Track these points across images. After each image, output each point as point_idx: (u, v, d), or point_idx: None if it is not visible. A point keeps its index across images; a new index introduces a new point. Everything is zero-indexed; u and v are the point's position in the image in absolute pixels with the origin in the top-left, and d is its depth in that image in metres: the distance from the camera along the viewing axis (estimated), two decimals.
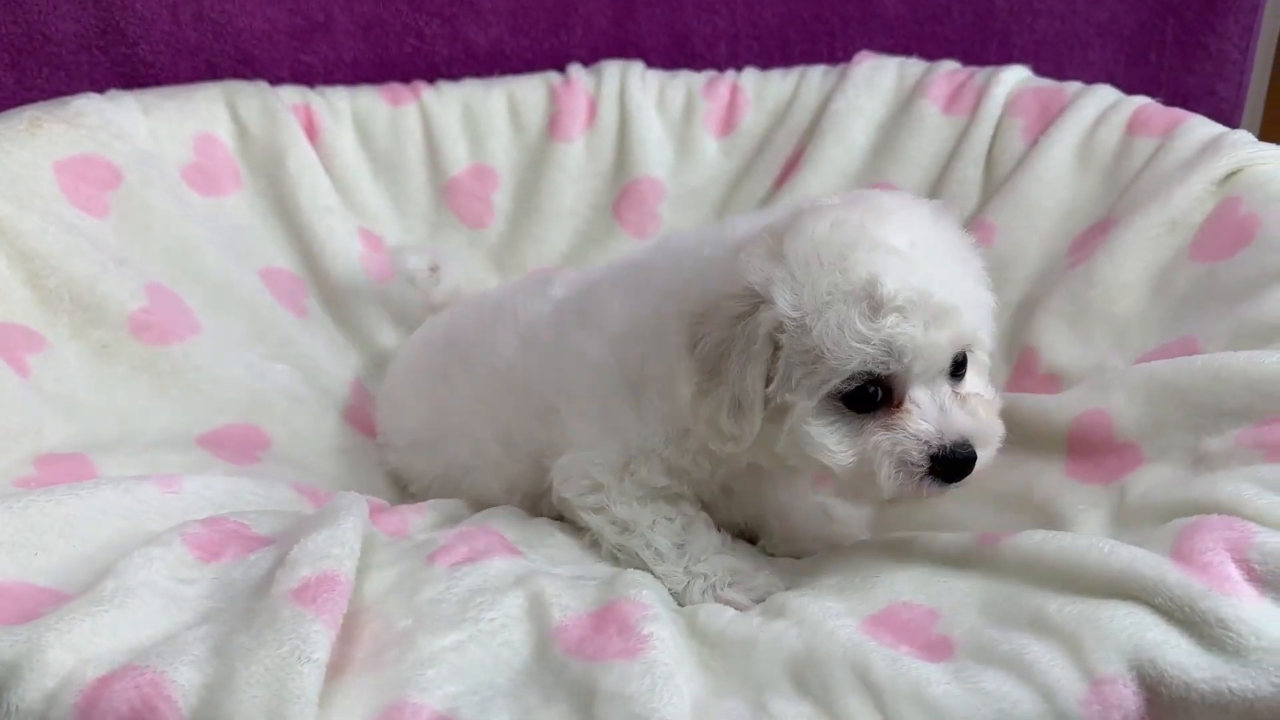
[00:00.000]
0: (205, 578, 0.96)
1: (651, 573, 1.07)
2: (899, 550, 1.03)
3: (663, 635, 0.92)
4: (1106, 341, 1.27)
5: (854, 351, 0.93)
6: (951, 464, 0.95)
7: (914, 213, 1.00)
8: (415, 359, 1.45)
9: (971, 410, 0.97)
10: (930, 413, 0.96)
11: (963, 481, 0.97)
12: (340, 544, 0.96)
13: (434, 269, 1.54)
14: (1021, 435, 1.18)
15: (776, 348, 0.96)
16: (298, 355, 1.47)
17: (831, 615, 0.93)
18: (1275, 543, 0.86)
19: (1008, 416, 1.18)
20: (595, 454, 1.11)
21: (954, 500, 1.17)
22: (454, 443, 1.31)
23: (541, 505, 1.22)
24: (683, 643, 0.94)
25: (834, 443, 0.97)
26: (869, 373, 0.94)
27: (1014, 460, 1.18)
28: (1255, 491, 0.92)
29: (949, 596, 0.95)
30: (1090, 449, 1.12)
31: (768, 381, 0.97)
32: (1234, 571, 0.86)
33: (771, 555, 1.19)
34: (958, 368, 0.99)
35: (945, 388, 0.97)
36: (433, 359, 1.39)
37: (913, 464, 0.95)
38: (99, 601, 0.87)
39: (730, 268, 1.00)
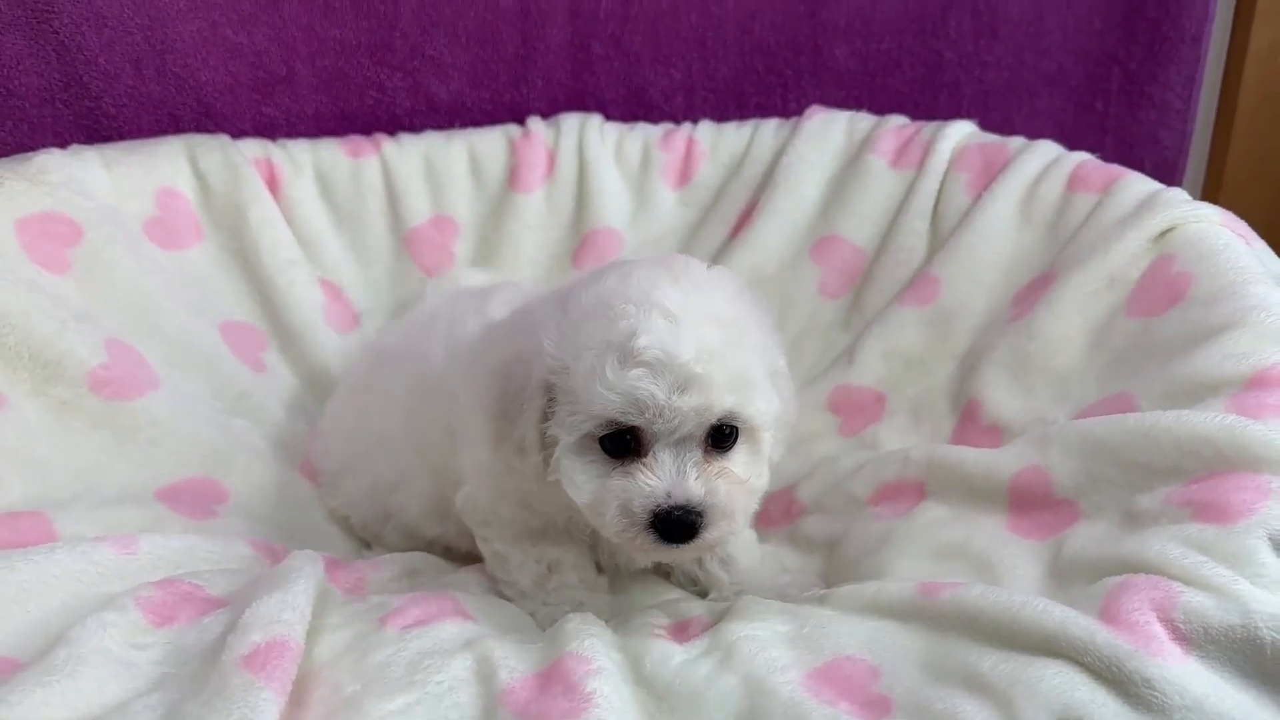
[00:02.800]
0: (158, 643, 0.98)
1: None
2: (849, 597, 1.06)
3: (605, 691, 0.94)
4: (1048, 394, 1.31)
5: (600, 398, 0.96)
6: (670, 525, 0.98)
7: (708, 281, 1.03)
8: (348, 380, 1.49)
9: (710, 482, 0.99)
10: (664, 471, 0.98)
11: (686, 546, 0.99)
12: (291, 608, 0.98)
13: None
14: (965, 489, 1.22)
15: (550, 391, 1.01)
16: (255, 409, 1.48)
17: (776, 669, 0.95)
18: (1198, 602, 0.89)
19: (952, 470, 1.23)
20: (479, 495, 1.17)
21: (895, 549, 1.21)
22: (375, 455, 1.35)
23: (460, 531, 1.25)
24: (627, 693, 0.96)
25: (580, 479, 1.01)
26: (615, 421, 0.98)
27: (957, 512, 1.22)
28: (1181, 551, 0.95)
29: (891, 652, 0.97)
30: (1030, 504, 1.15)
31: (545, 420, 1.01)
32: (1160, 631, 0.89)
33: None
34: (722, 438, 1.01)
35: (694, 453, 0.99)
36: (361, 371, 1.44)
37: (634, 514, 0.98)
38: (50, 671, 0.89)
39: (516, 323, 1.09)
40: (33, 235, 1.41)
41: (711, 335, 0.97)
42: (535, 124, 1.74)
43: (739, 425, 1.01)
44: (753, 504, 1.05)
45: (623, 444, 1.00)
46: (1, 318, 1.31)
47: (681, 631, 1.09)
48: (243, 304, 1.59)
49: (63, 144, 1.55)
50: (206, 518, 1.32)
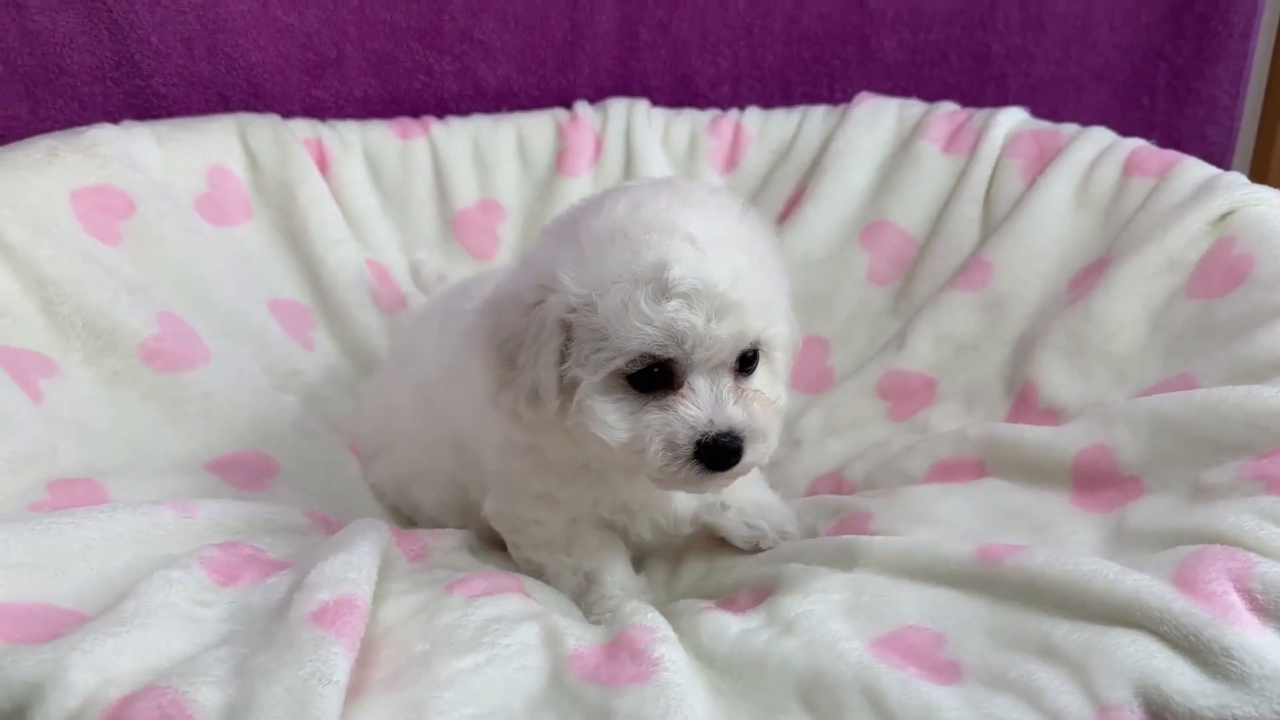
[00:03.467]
0: (223, 600, 0.97)
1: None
2: (902, 565, 1.04)
3: (673, 656, 0.93)
4: (1105, 377, 1.30)
5: (636, 332, 0.94)
6: (716, 452, 0.96)
7: (717, 205, 1.01)
8: (384, 364, 1.48)
9: (748, 406, 0.98)
10: (704, 400, 0.96)
11: (728, 473, 0.98)
12: (357, 568, 0.97)
13: (441, 278, 1.59)
14: (1026, 466, 1.21)
15: (568, 330, 0.97)
16: (305, 386, 1.48)
17: (840, 638, 0.94)
18: (1276, 573, 0.88)
19: (1011, 448, 1.22)
20: (501, 501, 1.15)
21: (945, 504, 1.20)
22: (395, 448, 1.35)
23: (479, 527, 1.24)
24: (692, 664, 0.95)
25: (613, 419, 0.98)
26: (650, 355, 0.95)
27: (1020, 486, 1.21)
28: (1256, 523, 0.94)
29: (955, 620, 0.96)
30: (1094, 482, 1.14)
31: (562, 361, 0.98)
32: (1237, 601, 0.88)
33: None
34: (746, 363, 1.00)
35: (727, 380, 0.98)
36: (384, 366, 1.43)
37: (679, 447, 0.96)
38: (120, 622, 0.88)
39: (524, 263, 1.04)
40: (86, 206, 1.41)
41: (739, 260, 0.95)
42: (583, 108, 1.74)
43: (761, 349, 1.01)
44: (780, 424, 1.03)
45: (651, 379, 0.97)
46: (55, 286, 1.31)
47: (730, 604, 1.08)
48: (291, 282, 1.59)
49: (113, 122, 1.56)
50: (257, 490, 1.32)
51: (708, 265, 0.93)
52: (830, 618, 0.98)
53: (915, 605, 0.99)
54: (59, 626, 0.90)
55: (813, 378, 1.58)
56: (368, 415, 1.45)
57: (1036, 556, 0.96)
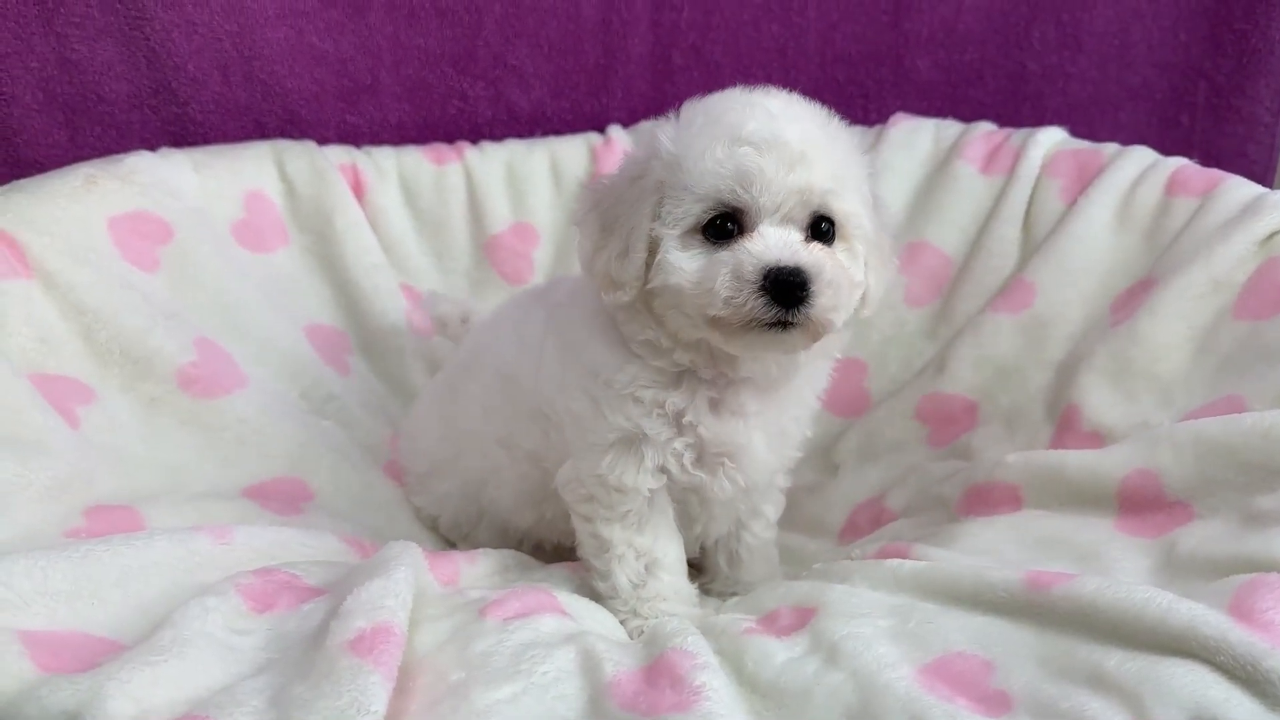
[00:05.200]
0: (260, 628, 0.97)
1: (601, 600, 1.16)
2: (948, 591, 1.02)
3: (715, 685, 0.92)
4: (1150, 399, 1.28)
5: (710, 176, 1.01)
6: (781, 285, 0.99)
7: (808, 106, 1.08)
8: (433, 387, 1.49)
9: (817, 256, 1.02)
10: (772, 239, 1.01)
11: (797, 315, 1.00)
12: (394, 595, 0.96)
13: (464, 320, 1.59)
14: (1069, 493, 1.18)
15: (661, 190, 1.04)
16: (340, 410, 1.48)
17: (886, 665, 0.92)
18: None
19: (1053, 474, 1.20)
20: (583, 462, 1.15)
21: (986, 534, 1.17)
22: (464, 455, 1.34)
23: (553, 518, 1.26)
24: (734, 691, 0.93)
25: (687, 265, 1.03)
26: (723, 201, 1.02)
27: (1062, 513, 1.18)
28: None
29: (1003, 647, 0.94)
30: (1141, 507, 1.12)
31: (655, 220, 1.04)
32: None
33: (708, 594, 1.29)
34: (821, 232, 1.04)
35: (796, 233, 1.03)
36: (447, 378, 1.44)
37: (745, 277, 1.00)
38: (157, 651, 0.88)
39: (632, 149, 1.14)
40: (124, 233, 1.42)
41: (812, 127, 1.04)
42: (616, 132, 1.74)
43: (836, 220, 1.05)
44: (854, 297, 1.06)
45: (726, 231, 1.03)
46: (93, 313, 1.32)
47: (772, 624, 1.06)
48: (327, 307, 1.59)
49: (150, 149, 1.57)
50: (292, 515, 1.31)
51: (780, 124, 1.01)
52: (876, 641, 0.96)
53: (963, 632, 0.97)
54: (96, 655, 0.90)
55: (849, 400, 1.57)
56: (421, 433, 1.44)
57: (1087, 584, 0.94)
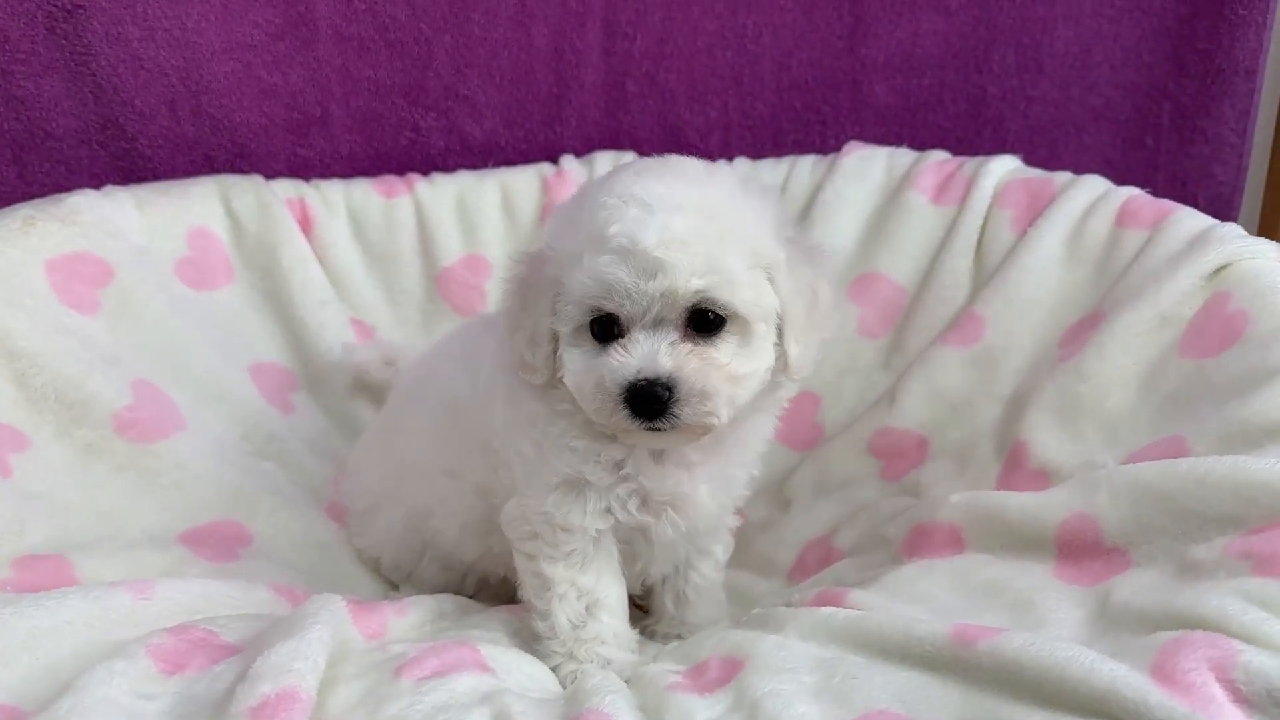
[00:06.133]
0: (167, 692, 0.95)
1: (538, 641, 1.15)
2: (876, 643, 1.00)
3: None
4: (1097, 438, 1.25)
5: (580, 284, 1.01)
6: (640, 398, 1.00)
7: (700, 178, 1.05)
8: (377, 421, 1.48)
9: (681, 358, 1.00)
10: (637, 350, 1.01)
11: (664, 423, 1.00)
12: (303, 657, 0.94)
13: (389, 362, 1.57)
14: (1009, 537, 1.16)
15: (557, 287, 1.05)
16: (281, 452, 1.46)
17: None
18: (1260, 662, 0.84)
19: (994, 516, 1.18)
20: (529, 499, 1.13)
21: (924, 580, 1.15)
22: (408, 486, 1.33)
23: (500, 551, 1.23)
24: None
25: (574, 364, 1.05)
26: (597, 307, 1.02)
27: (1000, 557, 1.16)
28: (1240, 607, 0.90)
29: (926, 705, 0.92)
30: (1079, 552, 1.10)
31: (554, 314, 1.06)
32: (1218, 693, 0.83)
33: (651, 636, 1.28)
34: (706, 326, 1.02)
35: (671, 335, 1.02)
36: (391, 409, 1.42)
37: (607, 390, 1.01)
38: None
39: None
40: (63, 276, 1.40)
41: (679, 224, 0.99)
42: (569, 162, 1.72)
43: (721, 312, 1.02)
44: (738, 391, 1.04)
45: (609, 331, 1.04)
46: (29, 359, 1.31)
47: (699, 677, 1.05)
48: (273, 344, 1.58)
49: (98, 185, 1.56)
50: (229, 561, 1.30)
51: (644, 226, 0.99)
52: (798, 699, 0.95)
53: (886, 689, 0.95)
54: None
55: (802, 435, 1.55)
56: (364, 468, 1.42)
57: (1012, 641, 0.92)
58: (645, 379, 1.00)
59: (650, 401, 0.99)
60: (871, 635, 1.01)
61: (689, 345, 1.02)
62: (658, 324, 1.01)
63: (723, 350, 1.03)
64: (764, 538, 1.45)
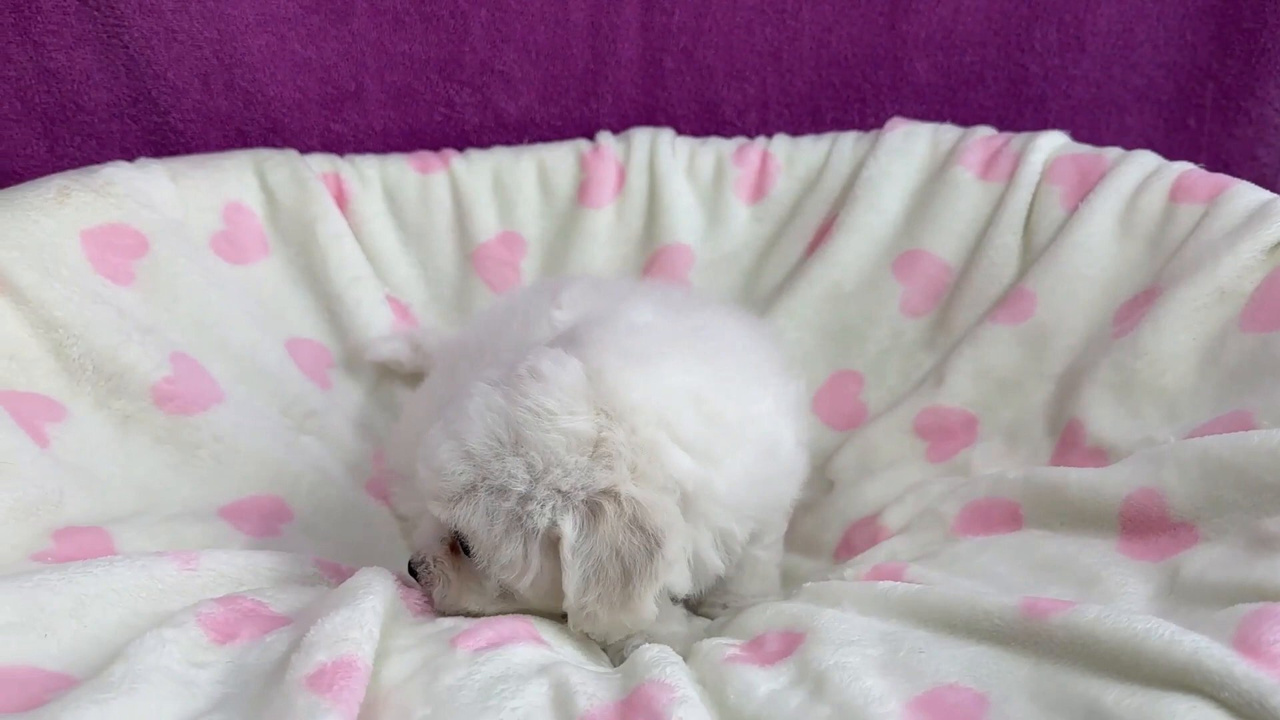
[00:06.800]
0: (219, 661, 0.93)
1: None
2: (941, 617, 0.98)
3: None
4: (1156, 414, 1.23)
5: None
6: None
7: (509, 398, 1.01)
8: (427, 384, 1.45)
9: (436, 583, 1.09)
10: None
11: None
12: (358, 626, 0.93)
13: (416, 348, 1.55)
14: (1071, 511, 1.14)
15: None
16: (322, 428, 1.44)
17: (874, 699, 0.88)
18: None
19: (1053, 493, 1.15)
20: None
21: (983, 556, 1.13)
22: None
23: None
24: None
25: None
26: None
27: (1059, 533, 1.14)
28: None
29: (998, 680, 0.90)
30: (1144, 528, 1.07)
31: None
32: None
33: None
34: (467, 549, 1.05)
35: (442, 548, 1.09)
36: (445, 367, 1.39)
37: None
38: (106, 688, 0.84)
39: None
40: (98, 247, 1.38)
41: (447, 455, 1.01)
42: (605, 139, 1.70)
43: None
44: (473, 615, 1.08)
45: None
46: (65, 329, 1.29)
47: (757, 650, 1.02)
48: (309, 320, 1.55)
49: (129, 159, 1.53)
50: (270, 536, 1.28)
51: (428, 454, 1.03)
52: (865, 672, 0.92)
53: (955, 662, 0.92)
54: (43, 691, 0.86)
55: (845, 414, 1.52)
56: (410, 431, 1.38)
57: (1086, 613, 0.89)
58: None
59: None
60: (936, 609, 0.99)
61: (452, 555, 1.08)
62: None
63: (462, 578, 1.08)
64: (808, 518, 1.42)
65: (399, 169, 1.65)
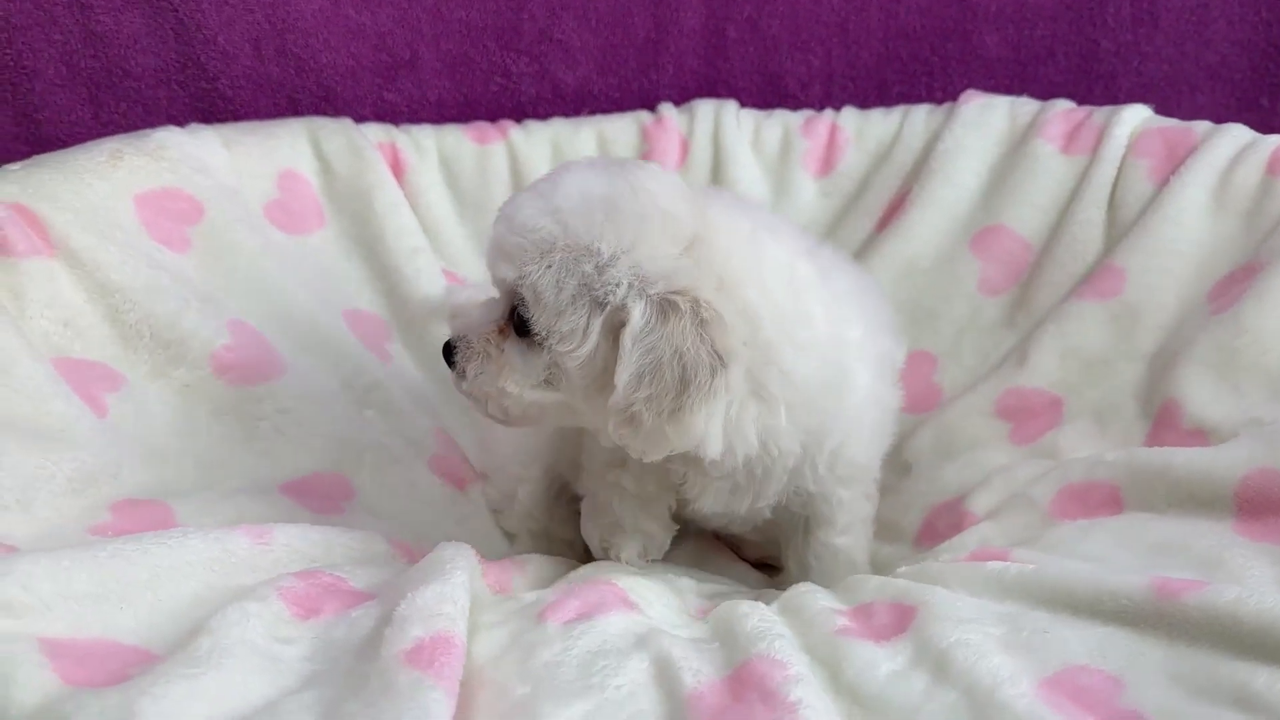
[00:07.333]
0: (305, 636, 0.88)
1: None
2: (1062, 598, 0.93)
3: (810, 700, 0.82)
4: (1260, 393, 1.17)
5: None
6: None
7: (605, 174, 0.98)
8: None
9: (472, 359, 1.03)
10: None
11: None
12: (451, 601, 0.88)
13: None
14: (1179, 493, 1.08)
15: None
16: (384, 401, 1.38)
17: (1004, 680, 0.82)
18: None
19: (1158, 475, 1.10)
20: None
21: (1089, 540, 1.08)
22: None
23: None
24: (829, 703, 0.84)
25: None
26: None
27: (1165, 516, 1.09)
28: None
29: (1130, 662, 0.85)
30: (1263, 509, 1.01)
31: None
32: None
33: None
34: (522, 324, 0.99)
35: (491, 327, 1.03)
36: None
37: None
38: (194, 663, 0.79)
39: None
40: (153, 211, 1.33)
41: (531, 210, 0.98)
42: (668, 110, 1.64)
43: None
44: (504, 403, 1.03)
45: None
46: (121, 294, 1.24)
47: (866, 621, 0.96)
48: (366, 293, 1.50)
49: (178, 126, 1.47)
50: (334, 515, 1.22)
51: (511, 210, 1.00)
52: (989, 651, 0.86)
53: (1083, 644, 0.87)
54: (124, 666, 0.81)
55: (920, 395, 1.46)
56: None
57: (1224, 593, 0.85)
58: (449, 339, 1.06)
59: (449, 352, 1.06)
60: (1055, 590, 0.93)
61: (501, 335, 1.02)
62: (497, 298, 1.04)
63: (511, 355, 1.01)
64: (884, 503, 1.36)
65: (456, 140, 1.60)
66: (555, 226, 0.95)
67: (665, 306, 0.93)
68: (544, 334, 0.97)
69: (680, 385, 0.92)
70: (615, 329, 0.94)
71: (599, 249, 0.94)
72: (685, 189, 1.00)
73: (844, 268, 1.13)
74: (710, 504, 1.11)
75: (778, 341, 0.98)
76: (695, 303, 0.93)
